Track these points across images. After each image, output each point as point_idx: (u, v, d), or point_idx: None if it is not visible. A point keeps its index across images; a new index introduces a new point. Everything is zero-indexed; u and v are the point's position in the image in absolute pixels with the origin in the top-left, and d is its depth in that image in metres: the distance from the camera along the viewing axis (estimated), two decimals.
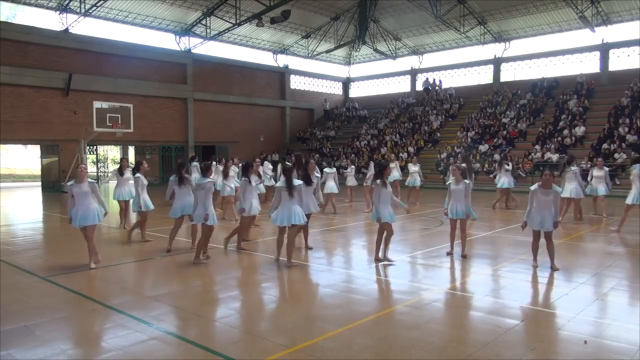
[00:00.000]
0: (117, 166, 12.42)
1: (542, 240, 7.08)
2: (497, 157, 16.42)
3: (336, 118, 34.99)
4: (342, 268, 7.65)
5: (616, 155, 19.67)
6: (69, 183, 7.35)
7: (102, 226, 11.04)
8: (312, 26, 30.28)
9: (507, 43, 29.71)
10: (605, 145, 20.61)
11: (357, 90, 38.03)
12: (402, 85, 35.22)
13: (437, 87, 32.26)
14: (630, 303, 5.90)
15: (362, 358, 4.16)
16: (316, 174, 9.44)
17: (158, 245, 9.15)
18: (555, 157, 20.88)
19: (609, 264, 7.62)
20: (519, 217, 10.01)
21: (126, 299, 5.98)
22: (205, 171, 7.84)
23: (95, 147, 28.94)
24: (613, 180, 12.67)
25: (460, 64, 32.43)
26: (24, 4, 23.04)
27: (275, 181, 13.39)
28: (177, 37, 27.75)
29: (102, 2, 22.59)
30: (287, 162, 11.00)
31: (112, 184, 24.33)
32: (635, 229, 10.37)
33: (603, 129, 21.85)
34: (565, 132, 22.75)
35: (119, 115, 21.31)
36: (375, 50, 30.99)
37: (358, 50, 31.93)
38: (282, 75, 33.77)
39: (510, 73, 30.42)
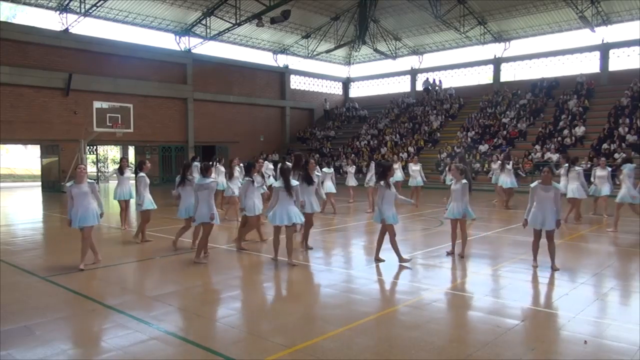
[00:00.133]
0: (117, 166, 12.46)
1: (543, 240, 7.07)
2: (495, 158, 16.38)
3: (336, 118, 34.98)
4: (342, 268, 7.65)
5: (616, 155, 19.65)
6: (68, 184, 7.31)
7: (102, 226, 11.05)
8: (312, 26, 30.28)
9: (507, 43, 29.71)
10: (605, 145, 20.62)
11: (357, 90, 38.02)
12: (402, 85, 35.22)
13: (437, 87, 32.25)
14: (630, 303, 5.90)
15: (362, 358, 4.15)
16: (317, 172, 9.43)
17: (158, 245, 9.17)
18: (555, 157, 20.87)
19: (609, 264, 7.63)
20: (519, 217, 10.02)
21: (126, 299, 5.98)
22: (205, 172, 7.85)
23: (95, 147, 29.00)
24: (613, 180, 12.66)
25: (460, 64, 32.42)
26: (24, 4, 23.03)
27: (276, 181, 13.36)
28: (177, 37, 27.75)
29: (102, 2, 22.59)
30: (287, 162, 10.99)
31: (112, 184, 24.39)
32: (635, 229, 10.38)
33: (603, 129, 21.86)
34: (565, 132, 22.75)
35: (119, 115, 21.28)
36: (375, 50, 30.97)
37: (358, 50, 31.91)
38: (282, 75, 33.77)
39: (510, 73, 30.42)
